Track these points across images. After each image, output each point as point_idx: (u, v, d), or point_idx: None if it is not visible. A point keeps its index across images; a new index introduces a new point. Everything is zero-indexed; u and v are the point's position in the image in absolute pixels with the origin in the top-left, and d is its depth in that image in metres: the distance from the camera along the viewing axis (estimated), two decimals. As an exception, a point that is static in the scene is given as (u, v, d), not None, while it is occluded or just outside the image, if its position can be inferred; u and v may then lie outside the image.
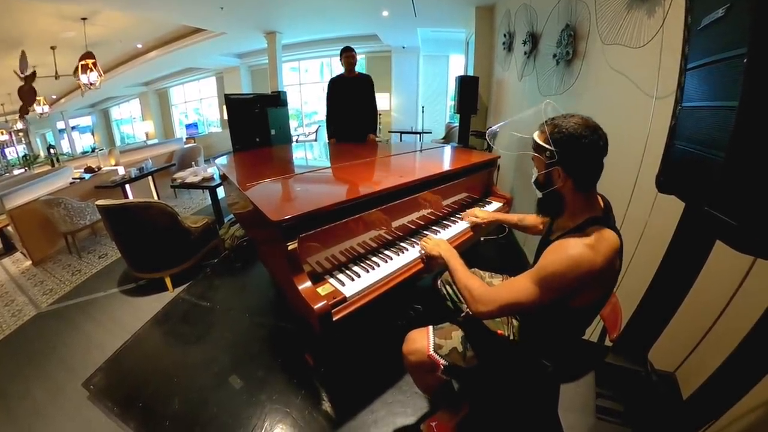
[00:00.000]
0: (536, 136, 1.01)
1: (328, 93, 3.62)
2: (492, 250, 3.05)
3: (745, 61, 0.60)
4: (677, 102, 0.86)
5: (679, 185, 0.87)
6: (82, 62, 5.63)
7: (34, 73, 5.92)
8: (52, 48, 6.48)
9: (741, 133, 0.61)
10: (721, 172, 0.66)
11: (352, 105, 3.57)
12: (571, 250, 0.90)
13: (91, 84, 5.79)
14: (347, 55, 3.47)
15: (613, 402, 0.98)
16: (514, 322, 1.27)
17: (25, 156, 9.64)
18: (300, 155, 3.06)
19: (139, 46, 7.75)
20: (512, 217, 1.69)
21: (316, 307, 1.16)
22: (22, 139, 11.67)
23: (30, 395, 1.88)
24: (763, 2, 0.57)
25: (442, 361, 1.13)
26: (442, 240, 1.48)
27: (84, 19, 5.68)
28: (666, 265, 0.95)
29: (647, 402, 0.98)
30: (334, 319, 1.20)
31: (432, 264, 1.48)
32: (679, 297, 0.93)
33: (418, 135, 7.39)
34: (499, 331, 1.22)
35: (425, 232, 1.78)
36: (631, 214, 1.52)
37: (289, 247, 1.25)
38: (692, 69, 0.80)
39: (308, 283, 1.25)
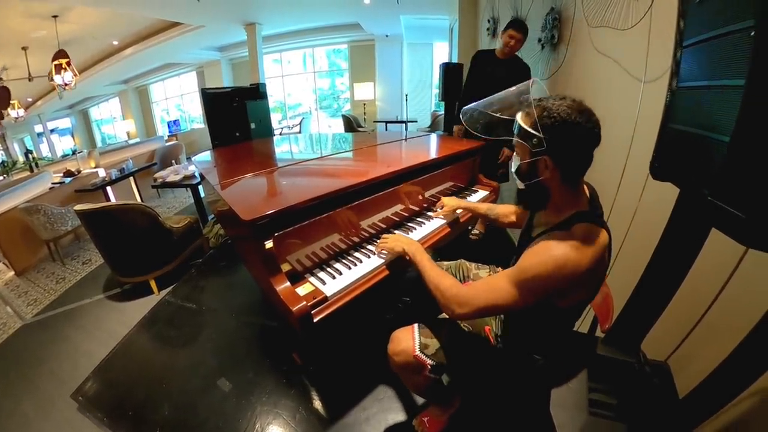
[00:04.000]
0: (520, 118, 0.89)
1: (470, 69, 2.76)
2: (479, 239, 3.00)
3: (752, 34, 0.53)
4: (672, 80, 0.78)
5: (675, 171, 0.80)
6: (56, 62, 5.44)
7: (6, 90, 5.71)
8: (24, 49, 6.24)
9: (749, 115, 0.54)
10: (726, 156, 0.59)
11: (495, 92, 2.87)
12: (555, 252, 0.83)
13: (66, 84, 5.60)
14: (511, 35, 2.33)
15: (605, 396, 0.95)
16: (501, 316, 1.23)
17: (2, 163, 9.30)
18: (279, 149, 2.95)
19: (116, 42, 7.49)
20: (480, 206, 1.61)
21: (294, 309, 1.11)
22: (-1, 146, 11.25)
23: (20, 410, 1.82)
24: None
25: (429, 361, 1.07)
26: (401, 235, 1.42)
27: (55, 16, 5.47)
28: (660, 255, 0.90)
29: (641, 394, 0.95)
30: (314, 320, 1.16)
31: (399, 265, 1.36)
32: (673, 286, 0.89)
33: (404, 124, 7.29)
34: (486, 327, 1.19)
35: (409, 224, 1.72)
36: (620, 201, 1.50)
37: (266, 247, 1.19)
38: (689, 45, 0.72)
39: (287, 284, 1.20)
